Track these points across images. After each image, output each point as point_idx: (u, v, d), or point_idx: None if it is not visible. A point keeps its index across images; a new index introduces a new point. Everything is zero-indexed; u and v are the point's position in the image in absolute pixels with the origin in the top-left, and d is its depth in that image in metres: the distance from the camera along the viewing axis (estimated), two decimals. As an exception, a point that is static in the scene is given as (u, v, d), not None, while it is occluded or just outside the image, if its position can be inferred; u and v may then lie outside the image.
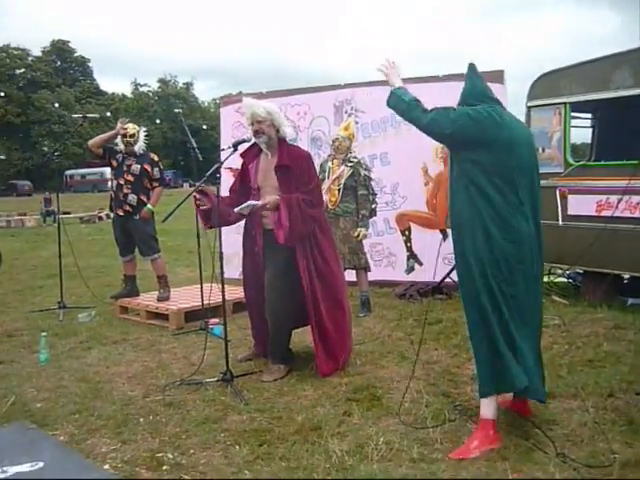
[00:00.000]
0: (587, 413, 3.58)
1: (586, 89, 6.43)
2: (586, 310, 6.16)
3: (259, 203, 4.31)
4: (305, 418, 3.62)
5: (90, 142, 6.38)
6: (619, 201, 6.12)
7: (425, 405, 3.77)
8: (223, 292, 4.36)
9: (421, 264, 7.49)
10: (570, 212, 6.64)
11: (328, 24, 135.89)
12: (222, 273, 4.33)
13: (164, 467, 3.13)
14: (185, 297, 6.34)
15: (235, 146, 4.27)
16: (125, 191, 6.22)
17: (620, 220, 6.11)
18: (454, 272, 6.62)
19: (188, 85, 67.07)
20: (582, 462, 3.01)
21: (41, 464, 3.07)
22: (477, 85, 3.57)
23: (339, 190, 6.09)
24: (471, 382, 4.14)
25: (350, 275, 6.39)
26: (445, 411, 3.67)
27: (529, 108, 6.98)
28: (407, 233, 7.57)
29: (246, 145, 4.54)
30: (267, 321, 4.51)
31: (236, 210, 4.29)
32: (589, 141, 8.00)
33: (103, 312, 6.52)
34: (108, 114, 35.40)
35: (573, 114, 7.19)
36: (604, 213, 6.32)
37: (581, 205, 6.53)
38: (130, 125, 6.29)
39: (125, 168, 6.26)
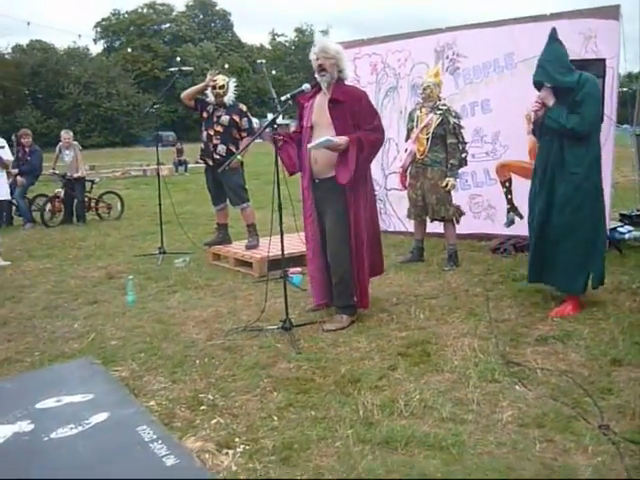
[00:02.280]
0: (651, 383, 3.30)
1: None
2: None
3: (335, 139, 4.22)
4: (349, 370, 3.62)
5: (183, 94, 6.59)
6: None
7: (475, 364, 3.64)
8: (283, 244, 4.37)
9: (522, 217, 7.08)
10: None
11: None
12: (281, 224, 4.34)
13: (202, 407, 3.27)
14: (273, 245, 6.46)
15: (293, 97, 4.23)
16: (215, 142, 6.39)
17: None
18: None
19: (324, 34, 67.05)
20: (625, 436, 2.79)
21: (91, 396, 3.33)
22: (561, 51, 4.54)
23: (427, 139, 5.88)
24: (534, 343, 3.94)
25: (438, 227, 6.23)
26: (495, 372, 3.52)
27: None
28: (507, 184, 7.19)
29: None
30: (326, 272, 4.52)
31: (310, 146, 4.28)
32: None
33: (198, 258, 6.83)
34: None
35: None
36: None
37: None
38: (220, 77, 6.41)
39: (215, 119, 6.42)
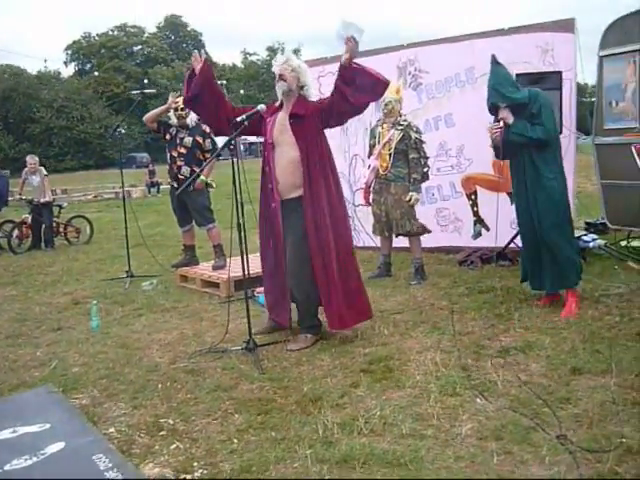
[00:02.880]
0: (609, 392, 3.33)
1: (664, 34, 5.83)
2: (660, 277, 5.68)
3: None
4: (311, 388, 3.61)
5: (145, 117, 6.59)
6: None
7: (437, 378, 3.64)
8: (244, 264, 4.35)
9: (488, 229, 7.17)
10: (646, 170, 6.09)
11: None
12: (241, 242, 4.33)
13: (161, 432, 3.23)
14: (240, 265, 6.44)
15: (249, 117, 4.22)
16: (178, 163, 6.39)
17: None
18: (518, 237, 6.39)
19: (295, 52, 67.37)
20: (582, 446, 2.81)
21: (47, 425, 3.28)
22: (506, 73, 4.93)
23: (390, 155, 5.92)
24: (496, 355, 3.96)
25: (405, 241, 6.26)
26: (457, 385, 3.52)
27: (601, 58, 6.43)
28: (473, 197, 7.26)
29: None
30: (285, 291, 4.51)
31: (340, 32, 4.12)
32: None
33: (166, 281, 6.79)
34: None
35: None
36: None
37: (659, 162, 5.98)
38: (181, 99, 6.40)
39: (178, 141, 6.42)
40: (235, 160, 4.21)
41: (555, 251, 4.79)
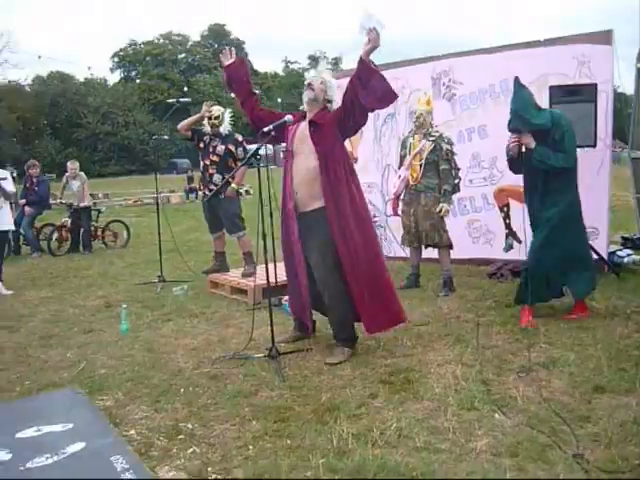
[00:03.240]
0: (631, 412, 3.26)
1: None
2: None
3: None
4: (329, 398, 3.63)
5: (179, 125, 6.71)
6: None
7: (456, 391, 3.63)
8: (268, 272, 4.39)
9: (520, 242, 7.07)
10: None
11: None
12: (266, 251, 4.36)
13: (180, 436, 3.29)
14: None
15: (276, 128, 4.28)
16: (210, 171, 6.49)
17: None
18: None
19: (337, 60, 67.69)
20: (598, 465, 2.77)
21: (70, 425, 3.37)
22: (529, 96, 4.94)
23: (421, 165, 5.92)
24: (518, 370, 3.92)
25: (433, 252, 6.24)
26: (476, 400, 3.50)
27: (639, 69, 6.31)
28: (506, 209, 7.19)
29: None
30: (308, 302, 4.52)
31: (363, 23, 4.06)
32: None
33: (197, 286, 6.89)
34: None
35: None
36: None
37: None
38: (215, 107, 6.53)
39: (211, 149, 6.52)
40: (261, 168, 4.27)
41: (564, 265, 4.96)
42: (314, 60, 67.30)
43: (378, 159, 8.15)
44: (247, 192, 6.80)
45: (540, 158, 4.77)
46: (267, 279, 4.38)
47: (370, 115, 8.01)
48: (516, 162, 5.04)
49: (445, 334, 4.73)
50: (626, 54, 6.90)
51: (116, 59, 65.21)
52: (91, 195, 21.49)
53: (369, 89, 4.07)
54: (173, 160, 50.06)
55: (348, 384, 3.84)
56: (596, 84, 6.02)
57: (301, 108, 4.44)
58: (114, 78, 64.81)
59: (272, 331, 4.34)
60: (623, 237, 7.91)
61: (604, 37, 6.48)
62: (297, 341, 4.74)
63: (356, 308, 4.41)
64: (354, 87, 4.13)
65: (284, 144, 4.62)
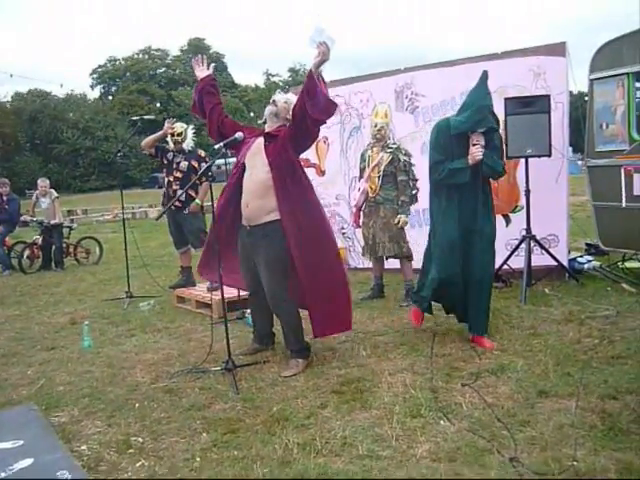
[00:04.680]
0: (570, 415, 3.36)
1: (651, 58, 5.88)
2: (650, 300, 5.66)
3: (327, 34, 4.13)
4: (280, 409, 3.68)
5: (142, 143, 6.79)
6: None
7: (404, 400, 3.70)
8: (222, 284, 4.46)
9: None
10: (636, 192, 6.11)
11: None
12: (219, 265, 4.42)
13: (130, 450, 3.33)
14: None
15: (227, 145, 4.34)
16: (174, 187, 6.56)
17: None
18: (512, 258, 6.42)
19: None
20: (532, 469, 2.85)
21: (21, 442, 3.40)
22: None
23: (379, 177, 6.02)
24: (467, 377, 4.00)
25: (394, 263, 6.33)
26: (422, 407, 3.58)
27: (591, 81, 6.49)
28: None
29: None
30: (266, 315, 4.61)
31: (313, 37, 4.12)
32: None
33: (164, 301, 6.92)
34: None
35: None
36: (672, 193, 5.78)
37: (647, 185, 6.00)
38: (178, 124, 6.61)
39: (174, 165, 6.60)
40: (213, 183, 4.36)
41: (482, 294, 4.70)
42: (294, 72, 67.63)
43: (345, 171, 8.25)
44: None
45: (492, 164, 4.57)
46: (222, 292, 4.45)
47: (336, 128, 8.29)
48: (463, 172, 4.50)
49: (401, 343, 4.81)
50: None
51: (95, 75, 65.10)
52: (69, 212, 21.55)
53: (315, 101, 4.15)
54: (154, 174, 49.90)
55: (300, 395, 3.91)
56: (549, 95, 6.17)
57: (237, 135, 4.44)
58: (94, 94, 64.71)
59: (228, 344, 4.39)
60: (587, 244, 8.07)
61: (558, 49, 6.64)
62: (256, 353, 4.79)
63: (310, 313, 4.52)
64: (302, 99, 4.21)
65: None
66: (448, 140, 4.57)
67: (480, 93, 4.61)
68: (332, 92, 8.07)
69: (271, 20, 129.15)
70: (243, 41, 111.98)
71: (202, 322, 5.95)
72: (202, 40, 64.60)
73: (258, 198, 4.35)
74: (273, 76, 69.53)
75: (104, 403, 4.02)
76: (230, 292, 6.27)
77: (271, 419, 3.55)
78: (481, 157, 4.45)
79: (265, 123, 4.60)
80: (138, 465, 3.17)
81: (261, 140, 4.49)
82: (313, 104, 4.13)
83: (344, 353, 4.66)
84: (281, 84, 67.13)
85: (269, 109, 4.54)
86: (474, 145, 4.47)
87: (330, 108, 4.25)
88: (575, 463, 2.86)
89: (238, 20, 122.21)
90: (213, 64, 4.95)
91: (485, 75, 4.65)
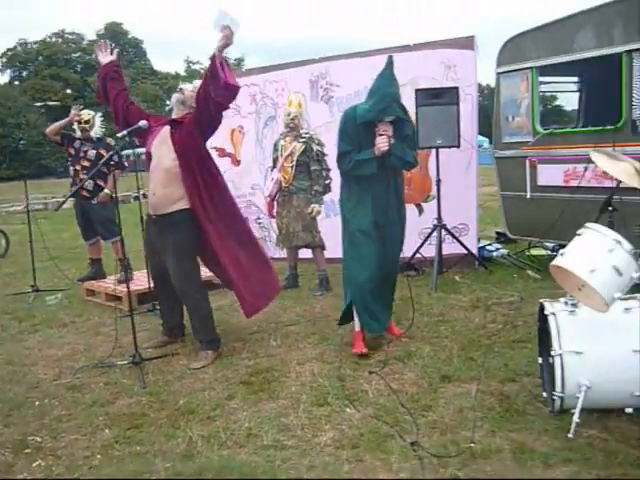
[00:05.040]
0: (470, 399, 3.46)
1: (552, 52, 6.09)
2: (552, 285, 5.89)
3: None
4: (186, 402, 3.63)
5: (47, 130, 6.51)
6: (585, 170, 5.80)
7: (311, 389, 3.72)
8: (127, 276, 4.36)
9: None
10: (540, 183, 6.35)
11: None
12: (124, 258, 4.32)
13: (26, 450, 3.20)
14: (146, 279, 6.41)
15: (130, 133, 4.23)
16: (81, 177, 6.33)
17: (587, 190, 5.80)
18: (424, 246, 6.55)
19: (239, 61, 67.27)
20: (431, 452, 2.92)
21: None
22: None
23: (292, 167, 6.00)
24: (375, 364, 4.06)
25: (308, 253, 6.35)
26: (329, 396, 3.60)
27: (498, 75, 6.68)
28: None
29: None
30: (174, 306, 4.54)
31: (217, 20, 4.07)
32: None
33: (73, 295, 6.68)
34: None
35: (561, 79, 6.86)
36: (572, 183, 6.02)
37: (550, 175, 6.24)
38: (84, 111, 6.38)
39: (82, 154, 6.37)
40: (119, 173, 4.23)
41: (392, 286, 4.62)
42: (216, 60, 66.53)
43: (261, 161, 8.18)
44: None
45: (401, 155, 4.28)
46: (127, 284, 4.34)
47: (252, 118, 8.20)
48: (370, 163, 4.26)
49: (312, 333, 4.82)
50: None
51: (4, 59, 62.08)
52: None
53: (216, 84, 4.10)
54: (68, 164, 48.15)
55: (208, 387, 3.86)
56: (457, 87, 6.31)
57: (141, 123, 4.33)
58: (4, 79, 61.80)
59: (135, 337, 4.29)
60: (497, 232, 8.33)
61: (467, 42, 6.80)
62: (165, 346, 4.71)
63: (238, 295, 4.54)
64: (206, 83, 4.15)
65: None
66: (355, 130, 4.28)
67: (384, 80, 4.23)
68: (247, 81, 8.20)
69: (192, 6, 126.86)
70: (163, 27, 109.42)
71: (111, 315, 5.75)
72: (120, 24, 62.75)
73: (165, 186, 4.27)
74: (194, 63, 68.28)
75: (1, 402, 3.84)
76: (141, 284, 6.16)
77: (176, 412, 3.50)
78: (387, 148, 4.16)
79: (172, 111, 4.52)
80: (35, 465, 3.05)
81: (167, 128, 4.40)
82: (215, 88, 4.08)
83: (254, 344, 4.63)
84: (202, 71, 66.04)
85: (176, 97, 4.48)
86: (380, 135, 4.20)
87: (231, 93, 4.19)
88: (472, 445, 2.95)
89: (158, 5, 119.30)
90: (117, 50, 4.79)
91: (390, 61, 4.27)
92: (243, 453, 3.01)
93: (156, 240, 4.41)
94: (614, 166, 3.60)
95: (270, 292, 4.72)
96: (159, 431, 3.29)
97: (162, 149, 4.32)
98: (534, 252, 6.99)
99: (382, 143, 4.18)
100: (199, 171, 4.30)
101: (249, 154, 8.24)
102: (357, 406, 3.47)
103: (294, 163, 5.98)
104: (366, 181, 4.34)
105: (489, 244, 7.44)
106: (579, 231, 3.10)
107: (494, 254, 7.22)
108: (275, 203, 6.19)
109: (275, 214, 6.20)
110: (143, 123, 4.25)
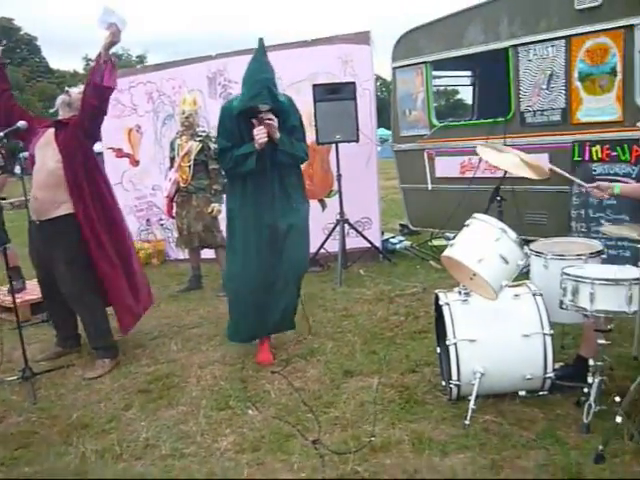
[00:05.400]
0: (372, 392, 3.47)
1: (444, 47, 6.24)
2: (453, 275, 6.04)
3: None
4: (80, 416, 3.46)
5: None
6: (480, 161, 5.97)
7: (212, 392, 3.63)
8: (12, 287, 4.12)
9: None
10: (438, 175, 6.50)
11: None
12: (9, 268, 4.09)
13: None
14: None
15: (7, 135, 3.98)
16: (-38, 180, 5.95)
17: (482, 181, 5.98)
18: (329, 241, 6.55)
19: (141, 58, 65.51)
20: (332, 449, 2.90)
21: None
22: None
23: (190, 167, 5.85)
24: (278, 364, 4.02)
25: (210, 253, 6.23)
26: (231, 399, 3.53)
27: (394, 69, 6.78)
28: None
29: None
30: (67, 315, 4.35)
31: (103, 18, 3.91)
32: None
33: (-41, 307, 6.27)
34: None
35: (454, 73, 7.04)
36: (467, 174, 6.20)
37: (447, 167, 6.39)
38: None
39: (-38, 157, 5.98)
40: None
41: (287, 288, 4.12)
42: (117, 57, 64.55)
43: (160, 161, 7.96)
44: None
45: (288, 149, 3.95)
46: (13, 295, 4.10)
47: (149, 116, 7.98)
48: (251, 158, 3.85)
49: (215, 335, 4.72)
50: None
51: None
52: None
53: (101, 83, 3.96)
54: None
55: (104, 398, 3.70)
56: (354, 82, 6.36)
57: (19, 124, 4.10)
58: None
59: (24, 350, 4.04)
60: (401, 224, 8.48)
61: (363, 37, 6.86)
62: (59, 357, 4.48)
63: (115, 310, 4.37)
64: (90, 82, 4.00)
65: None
66: (235, 123, 3.88)
67: (256, 64, 3.82)
68: (143, 78, 7.99)
69: (89, 3, 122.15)
70: (59, 24, 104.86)
71: (1, 328, 5.46)
72: (11, 20, 59.67)
73: (48, 189, 4.08)
74: (93, 61, 65.97)
75: None
76: (34, 293, 5.85)
77: (69, 428, 3.32)
78: (265, 139, 3.77)
79: (57, 113, 4.32)
80: None
81: (52, 130, 4.19)
82: (99, 86, 3.93)
83: (154, 349, 4.49)
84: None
85: (61, 98, 4.30)
86: (258, 126, 3.80)
87: (100, 94, 4.04)
88: (373, 439, 2.96)
89: (52, 1, 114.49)
90: (1, 47, 4.51)
91: (261, 44, 3.86)
92: (140, 465, 2.90)
93: (41, 247, 4.19)
94: (499, 157, 3.70)
95: (142, 309, 4.56)
96: (50, 449, 3.11)
97: (46, 151, 4.12)
98: (436, 243, 7.15)
99: (259, 135, 3.79)
100: (84, 174, 4.13)
101: (148, 154, 8.01)
102: (259, 407, 3.42)
103: (191, 162, 5.83)
104: (252, 180, 3.96)
105: (392, 237, 7.55)
106: (467, 222, 3.16)
107: (397, 246, 7.34)
108: (174, 204, 6.02)
109: (174, 215, 6.04)
110: (22, 124, 4.00)
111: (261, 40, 3.88)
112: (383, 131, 16.23)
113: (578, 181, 3.85)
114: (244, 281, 4.00)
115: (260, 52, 3.85)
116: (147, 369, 4.12)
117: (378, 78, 29.44)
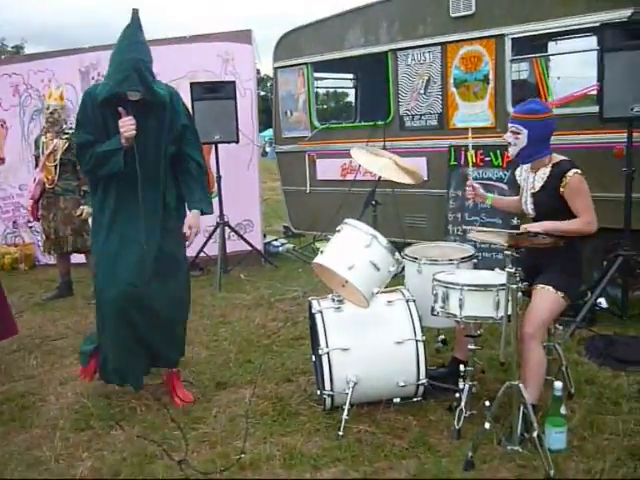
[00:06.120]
0: (244, 405, 3.33)
1: (325, 49, 6.20)
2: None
3: None
4: None
5: None
6: (360, 165, 5.96)
7: (73, 411, 3.36)
8: None
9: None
10: (319, 177, 6.46)
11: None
12: None
13: None
14: None
15: None
16: None
17: (362, 184, 5.97)
18: (209, 245, 6.35)
19: (18, 49, 61.91)
20: (199, 468, 2.73)
21: None
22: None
23: (56, 166, 5.46)
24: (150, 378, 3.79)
25: (81, 258, 5.86)
26: (92, 418, 3.27)
27: (275, 70, 6.68)
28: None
29: None
30: None
31: None
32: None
33: None
34: None
35: (336, 75, 7.01)
36: (348, 177, 6.19)
37: (328, 169, 6.36)
38: None
39: None
40: None
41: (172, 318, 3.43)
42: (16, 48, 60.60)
43: (29, 159, 7.41)
44: None
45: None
46: None
47: (15, 111, 7.44)
48: (117, 155, 3.14)
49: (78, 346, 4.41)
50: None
51: None
52: None
53: None
54: None
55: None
56: (234, 82, 6.20)
57: None
58: None
59: None
60: (284, 226, 8.40)
61: (244, 36, 6.72)
62: None
63: None
64: None
65: None
66: (99, 113, 3.16)
67: (124, 41, 3.09)
68: (8, 69, 7.42)
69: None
70: None
71: None
72: None
73: None
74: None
75: None
76: None
77: None
78: (133, 133, 3.07)
79: None
80: None
81: None
82: None
83: (10, 365, 4.11)
84: None
85: None
86: (125, 117, 3.09)
87: None
88: (242, 456, 2.82)
89: None
90: None
91: (135, 16, 3.11)
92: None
93: None
94: (374, 162, 3.67)
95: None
96: None
97: None
98: (319, 245, 7.10)
99: (126, 126, 3.07)
100: None
101: (14, 151, 7.42)
102: (124, 426, 3.19)
103: (57, 162, 5.44)
104: (126, 187, 3.21)
105: (275, 239, 7.45)
106: (338, 227, 3.09)
107: (280, 249, 7.25)
108: (39, 205, 5.60)
109: (40, 217, 5.62)
110: None
111: (135, 12, 3.12)
112: (271, 132, 16.14)
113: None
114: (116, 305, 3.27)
115: (134, 27, 3.10)
116: (1, 388, 3.76)
117: (268, 79, 29.37)
